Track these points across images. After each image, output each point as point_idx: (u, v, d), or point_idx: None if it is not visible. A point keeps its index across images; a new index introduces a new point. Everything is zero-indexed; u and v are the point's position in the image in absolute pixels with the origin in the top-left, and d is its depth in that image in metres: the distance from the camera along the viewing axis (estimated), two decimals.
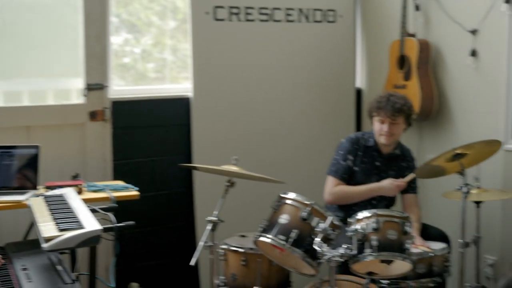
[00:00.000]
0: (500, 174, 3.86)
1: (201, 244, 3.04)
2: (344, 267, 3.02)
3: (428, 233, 3.60)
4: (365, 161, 3.66)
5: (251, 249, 3.25)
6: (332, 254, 2.78)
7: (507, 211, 3.86)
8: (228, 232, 3.55)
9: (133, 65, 4.29)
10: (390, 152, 3.69)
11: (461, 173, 3.14)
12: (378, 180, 3.64)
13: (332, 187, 3.63)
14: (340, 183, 3.63)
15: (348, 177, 3.64)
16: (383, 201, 3.66)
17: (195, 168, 3.69)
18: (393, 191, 3.58)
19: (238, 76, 4.24)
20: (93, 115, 3.91)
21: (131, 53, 4.29)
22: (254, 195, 4.03)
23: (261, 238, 3.01)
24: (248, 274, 3.29)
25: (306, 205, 2.97)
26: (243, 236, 3.54)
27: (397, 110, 3.50)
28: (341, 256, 2.79)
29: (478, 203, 3.58)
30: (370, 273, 3.06)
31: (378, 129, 3.59)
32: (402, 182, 3.57)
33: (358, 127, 4.79)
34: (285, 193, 3.07)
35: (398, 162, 3.72)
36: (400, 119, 3.55)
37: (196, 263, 2.95)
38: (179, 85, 4.30)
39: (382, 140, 3.60)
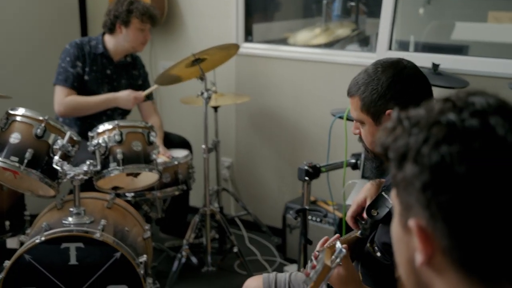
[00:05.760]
0: (233, 78, 3.92)
1: None
2: (85, 184, 2.80)
3: (170, 140, 3.54)
4: (94, 70, 3.38)
5: None
6: (75, 172, 2.54)
7: (239, 114, 3.97)
8: None
9: None
10: (121, 59, 3.47)
11: (202, 78, 3.09)
12: (110, 89, 3.42)
13: (63, 98, 3.30)
14: (71, 93, 3.31)
15: (79, 86, 3.35)
16: (117, 110, 3.47)
17: None
18: (130, 104, 3.39)
19: None
20: None
21: None
22: None
23: None
24: None
25: (40, 120, 2.62)
26: None
27: (153, 16, 3.32)
28: (85, 173, 2.57)
29: (216, 108, 3.61)
30: (115, 188, 2.90)
31: (139, 38, 3.34)
32: (140, 94, 3.40)
33: (84, 32, 4.44)
34: (13, 109, 2.69)
35: (129, 70, 3.53)
36: (152, 23, 3.39)
37: None
38: None
39: (139, 48, 3.40)
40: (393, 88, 1.67)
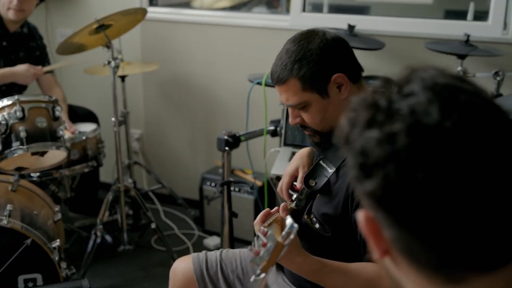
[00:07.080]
0: (139, 45, 3.72)
1: None
2: None
3: (76, 113, 3.31)
4: None
5: None
6: None
7: (147, 83, 3.78)
8: None
9: None
10: (17, 30, 3.18)
11: (108, 46, 2.88)
12: (6, 62, 3.14)
13: None
14: None
15: None
16: (14, 87, 3.19)
17: None
18: (29, 79, 3.13)
19: None
20: None
21: None
22: None
23: None
24: None
25: None
26: None
27: None
28: None
29: (123, 77, 3.41)
30: (19, 169, 2.67)
31: (7, 2, 3.03)
32: (39, 70, 3.14)
33: None
34: None
35: (26, 41, 3.25)
36: None
37: None
38: None
39: (10, 15, 3.07)
40: (328, 53, 1.56)
